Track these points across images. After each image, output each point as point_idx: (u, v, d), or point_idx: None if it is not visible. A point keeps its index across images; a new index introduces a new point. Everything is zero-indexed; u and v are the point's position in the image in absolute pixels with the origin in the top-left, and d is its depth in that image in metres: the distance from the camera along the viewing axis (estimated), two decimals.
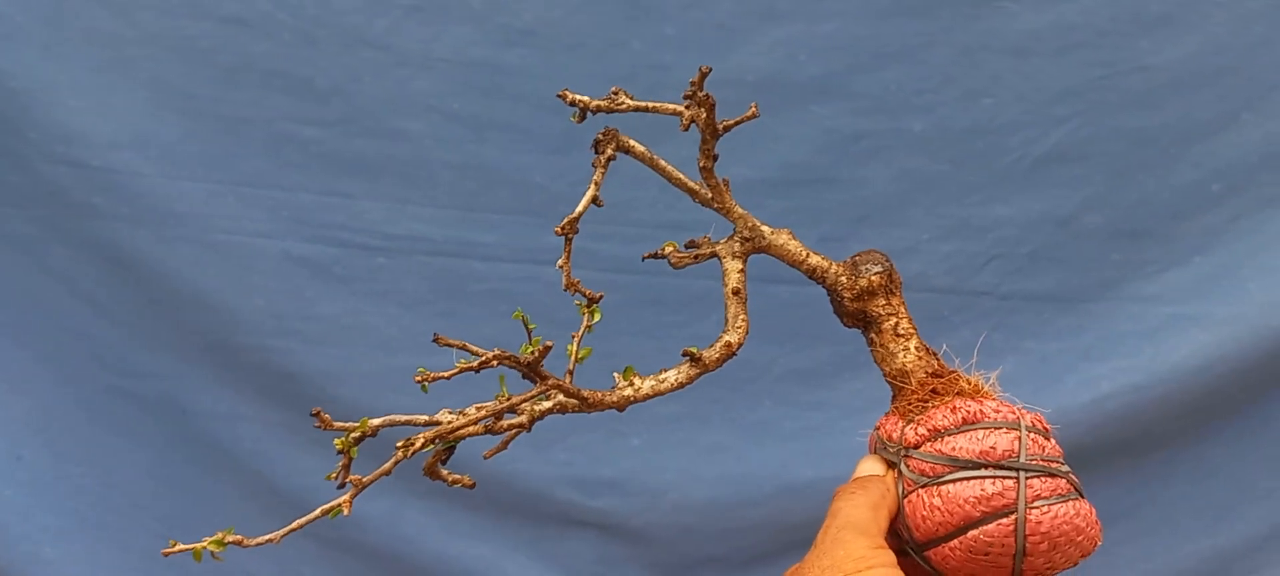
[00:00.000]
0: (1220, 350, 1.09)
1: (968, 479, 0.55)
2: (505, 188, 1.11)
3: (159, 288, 1.14)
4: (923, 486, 0.56)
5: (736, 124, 0.60)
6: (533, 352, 0.56)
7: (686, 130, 0.59)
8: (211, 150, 1.11)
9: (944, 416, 0.58)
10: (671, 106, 0.60)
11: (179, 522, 1.22)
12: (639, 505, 1.19)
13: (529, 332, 0.58)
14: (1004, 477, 0.55)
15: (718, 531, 1.19)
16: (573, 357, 0.61)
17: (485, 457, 0.57)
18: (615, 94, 0.60)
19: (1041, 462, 0.55)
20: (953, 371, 0.61)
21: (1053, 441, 0.58)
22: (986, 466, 0.55)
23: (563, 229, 0.59)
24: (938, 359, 0.61)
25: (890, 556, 0.53)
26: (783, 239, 0.63)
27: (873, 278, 0.61)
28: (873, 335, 0.62)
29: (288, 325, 1.14)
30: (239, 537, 0.55)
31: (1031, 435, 0.56)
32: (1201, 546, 1.16)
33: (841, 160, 1.09)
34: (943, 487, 0.56)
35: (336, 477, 0.56)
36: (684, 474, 1.18)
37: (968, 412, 0.57)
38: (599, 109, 0.60)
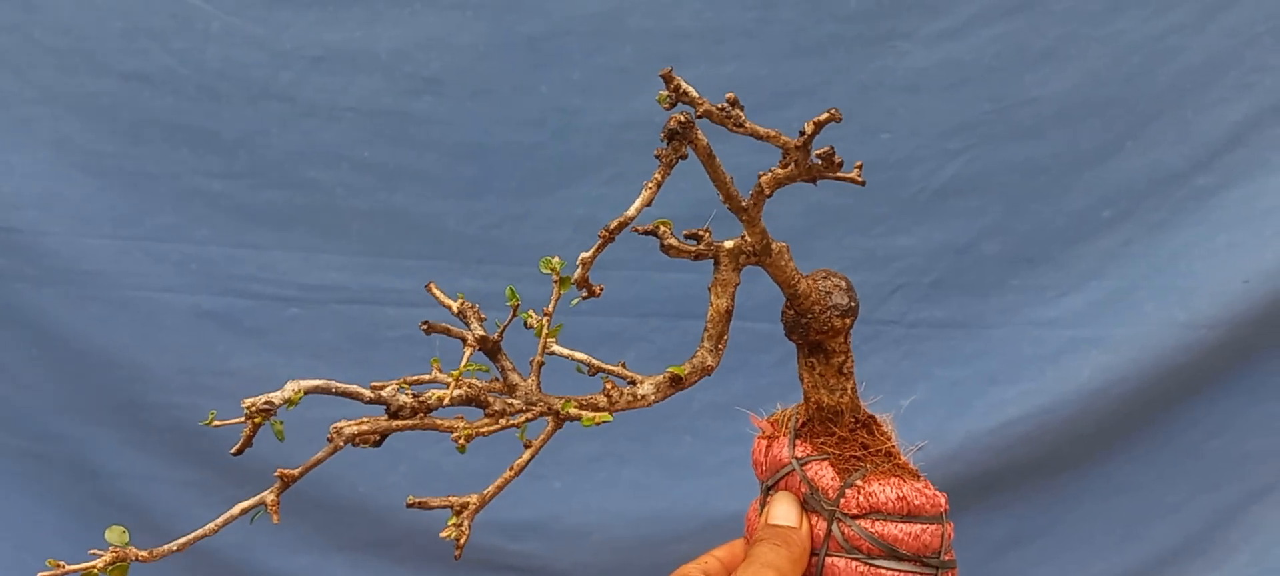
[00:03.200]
0: (1121, 371, 1.12)
1: (899, 570, 0.58)
2: (417, 234, 1.11)
3: (67, 348, 1.13)
4: (851, 556, 0.59)
5: (833, 177, 0.57)
6: (499, 332, 0.53)
7: (787, 165, 0.55)
8: (118, 207, 1.10)
9: (886, 496, 0.59)
10: (784, 138, 0.55)
11: None
12: (563, 547, 1.19)
13: (515, 309, 0.55)
14: (926, 572, 0.59)
15: (643, 569, 1.19)
16: (542, 334, 0.56)
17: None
18: (733, 103, 0.53)
19: (947, 556, 0.60)
20: (877, 423, 0.62)
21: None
22: (916, 561, 0.59)
23: (609, 231, 0.53)
24: (861, 403, 0.62)
25: None
26: (785, 258, 0.60)
27: (842, 322, 0.61)
28: (815, 361, 0.62)
29: (199, 381, 1.13)
30: (139, 551, 0.48)
31: (947, 524, 0.60)
32: (1113, 562, 1.19)
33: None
34: (874, 568, 0.58)
35: (238, 450, 0.49)
36: (607, 513, 1.18)
37: (910, 504, 0.59)
38: (708, 114, 0.52)
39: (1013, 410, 1.13)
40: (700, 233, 0.57)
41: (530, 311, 0.56)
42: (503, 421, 0.54)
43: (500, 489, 0.54)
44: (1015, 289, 1.13)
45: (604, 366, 0.57)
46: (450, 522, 0.53)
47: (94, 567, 0.47)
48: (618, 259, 1.16)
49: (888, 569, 0.58)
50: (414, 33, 1.07)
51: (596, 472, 1.19)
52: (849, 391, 0.61)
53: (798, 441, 0.62)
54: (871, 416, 0.63)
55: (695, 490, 1.18)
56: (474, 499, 0.53)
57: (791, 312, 0.61)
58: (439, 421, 0.52)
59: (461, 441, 0.52)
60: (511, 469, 0.54)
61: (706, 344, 0.59)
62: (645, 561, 1.19)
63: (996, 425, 1.12)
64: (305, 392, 0.49)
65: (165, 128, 1.08)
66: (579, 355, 0.57)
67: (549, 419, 0.55)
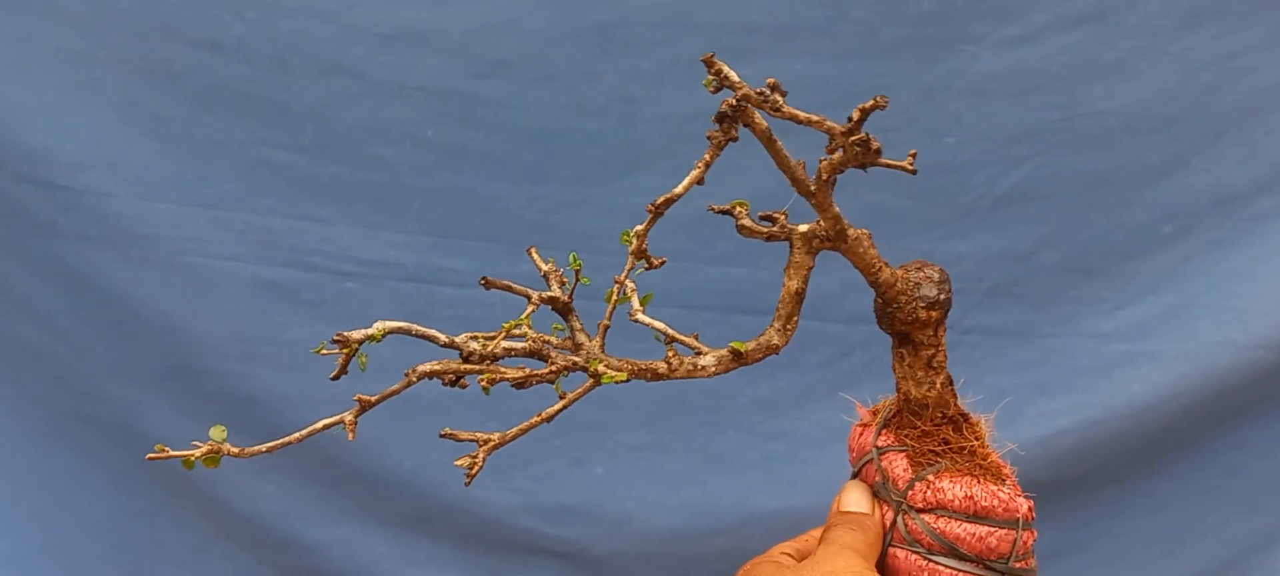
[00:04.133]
0: (1172, 387, 1.12)
1: (958, 570, 0.58)
2: (477, 215, 1.11)
3: (122, 310, 1.13)
4: (912, 549, 0.59)
5: (880, 164, 0.57)
6: (568, 294, 0.57)
7: (834, 151, 0.56)
8: (182, 173, 1.10)
9: (954, 493, 0.58)
10: (829, 123, 0.55)
11: (134, 549, 1.20)
12: (601, 533, 1.19)
13: (577, 274, 0.59)
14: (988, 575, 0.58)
15: (679, 560, 1.19)
16: (612, 300, 0.59)
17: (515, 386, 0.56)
18: (774, 88, 0.54)
19: (1019, 564, 0.59)
20: (968, 421, 0.62)
21: (1034, 529, 0.60)
22: (978, 563, 0.58)
23: (656, 206, 0.56)
24: (956, 399, 0.62)
25: None
26: (865, 243, 0.60)
27: (928, 314, 0.60)
28: (905, 352, 0.61)
29: (253, 350, 1.14)
30: (233, 447, 0.53)
31: (1024, 532, 0.59)
32: None
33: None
34: (933, 564, 0.58)
35: (335, 376, 0.54)
36: (646, 503, 1.18)
37: (978, 504, 0.58)
38: (748, 98, 0.54)
39: (1062, 421, 1.13)
40: (775, 215, 0.58)
41: (631, 287, 0.60)
42: (537, 372, 0.56)
43: (523, 432, 0.57)
44: (1071, 300, 1.13)
45: (678, 337, 0.59)
46: (469, 455, 0.56)
47: (192, 455, 0.53)
48: (671, 250, 1.16)
49: (946, 566, 0.58)
50: (485, 15, 1.07)
51: (638, 461, 1.19)
52: (937, 385, 0.61)
53: (885, 430, 0.62)
54: (964, 414, 0.62)
55: (735, 484, 1.19)
56: (496, 436, 0.56)
57: (880, 301, 0.61)
58: (504, 370, 0.56)
59: (484, 383, 0.55)
60: (539, 415, 0.57)
61: (776, 324, 0.60)
62: (682, 553, 1.19)
63: (1045, 435, 1.12)
64: (388, 332, 0.54)
65: (234, 97, 1.08)
66: (658, 324, 0.59)
67: (588, 377, 0.57)
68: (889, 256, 1.14)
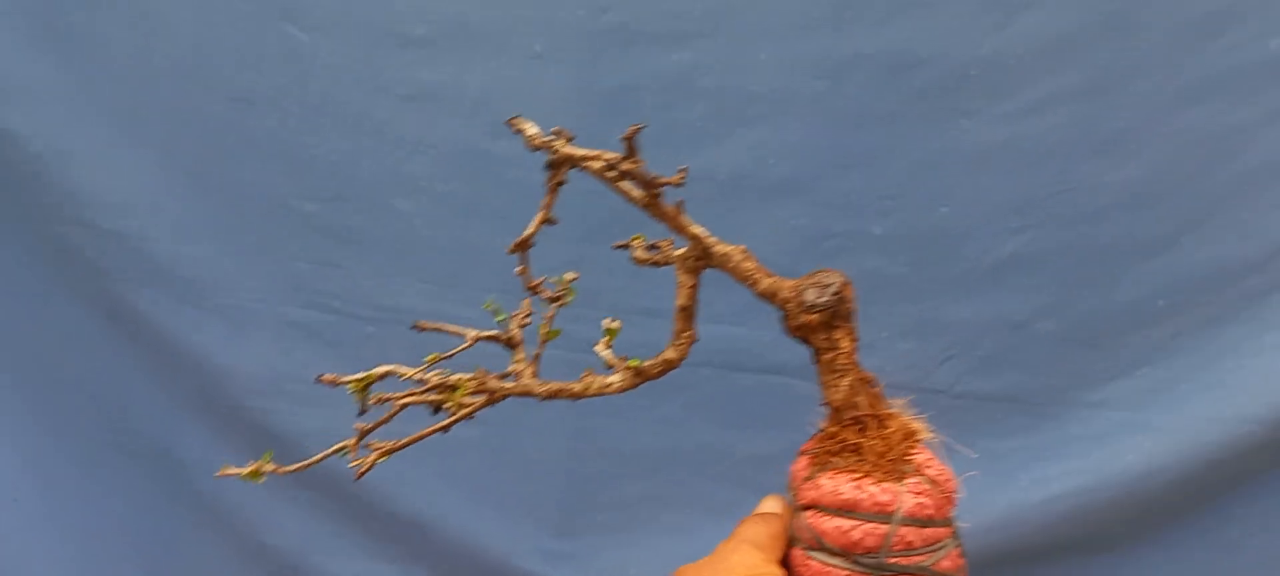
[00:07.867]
0: (1163, 459, 1.11)
1: (827, 565, 0.59)
2: (486, 266, 1.17)
3: (159, 345, 1.21)
4: (796, 545, 0.61)
5: (667, 183, 0.63)
6: (511, 333, 0.65)
7: (602, 173, 0.64)
8: (216, 219, 1.18)
9: (826, 488, 0.59)
10: (607, 155, 0.63)
11: (166, 571, 1.26)
12: None
13: (499, 323, 0.66)
14: (860, 571, 0.58)
15: None
16: (542, 338, 0.66)
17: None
18: (557, 133, 0.63)
19: (899, 560, 0.58)
20: (886, 414, 0.61)
21: (936, 527, 0.59)
22: (845, 557, 0.58)
23: (515, 248, 0.66)
24: (873, 397, 0.62)
25: (781, 572, 0.59)
26: (737, 258, 0.62)
27: (809, 318, 0.61)
28: (817, 359, 0.63)
29: (280, 386, 1.20)
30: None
31: (903, 527, 0.58)
32: None
33: (805, 257, 1.14)
34: (810, 558, 0.60)
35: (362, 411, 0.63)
36: (646, 550, 1.21)
37: (843, 498, 0.59)
38: (539, 146, 0.63)
39: (1056, 487, 1.13)
40: (659, 244, 0.64)
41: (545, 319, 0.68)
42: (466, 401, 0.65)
43: (413, 442, 0.66)
44: (1066, 370, 1.13)
45: (611, 359, 0.65)
46: (359, 455, 0.63)
47: (242, 471, 0.62)
48: (667, 309, 1.20)
49: (818, 560, 0.59)
50: (501, 79, 1.13)
51: (639, 512, 1.22)
52: (842, 387, 0.61)
53: (813, 437, 0.64)
54: (880, 414, 0.62)
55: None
56: (389, 444, 0.65)
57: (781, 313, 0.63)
58: (466, 401, 0.65)
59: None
60: (436, 425, 0.65)
61: (672, 339, 0.65)
62: None
63: (1040, 500, 1.13)
64: (377, 378, 0.65)
65: (265, 149, 1.16)
66: (607, 354, 0.66)
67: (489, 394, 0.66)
68: (889, 320, 1.16)
